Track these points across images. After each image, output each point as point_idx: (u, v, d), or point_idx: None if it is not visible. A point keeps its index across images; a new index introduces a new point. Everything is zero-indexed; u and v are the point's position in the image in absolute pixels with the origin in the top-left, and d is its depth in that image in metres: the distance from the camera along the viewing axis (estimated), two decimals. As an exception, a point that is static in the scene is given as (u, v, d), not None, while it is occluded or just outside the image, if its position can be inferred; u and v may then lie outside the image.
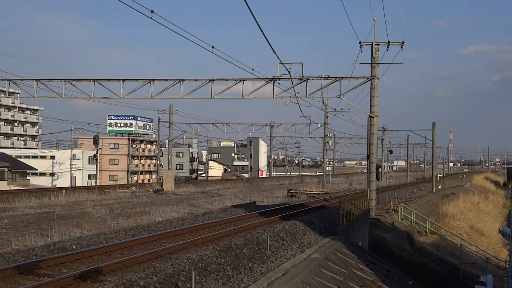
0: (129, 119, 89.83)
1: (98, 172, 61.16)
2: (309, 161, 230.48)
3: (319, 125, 56.98)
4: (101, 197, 35.12)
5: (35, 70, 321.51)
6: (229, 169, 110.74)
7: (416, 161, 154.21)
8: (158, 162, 71.31)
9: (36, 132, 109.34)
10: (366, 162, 30.07)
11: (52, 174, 79.73)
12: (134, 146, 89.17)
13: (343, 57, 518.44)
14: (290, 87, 28.87)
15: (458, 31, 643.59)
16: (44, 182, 76.20)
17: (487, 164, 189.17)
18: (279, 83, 28.60)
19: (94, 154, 61.16)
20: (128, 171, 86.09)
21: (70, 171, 78.36)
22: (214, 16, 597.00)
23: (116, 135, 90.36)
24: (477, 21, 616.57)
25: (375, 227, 26.58)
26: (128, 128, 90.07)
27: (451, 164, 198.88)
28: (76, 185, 64.83)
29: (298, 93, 29.38)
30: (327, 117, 51.57)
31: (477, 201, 65.29)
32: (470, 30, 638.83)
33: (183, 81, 29.29)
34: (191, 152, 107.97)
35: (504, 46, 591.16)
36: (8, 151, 77.37)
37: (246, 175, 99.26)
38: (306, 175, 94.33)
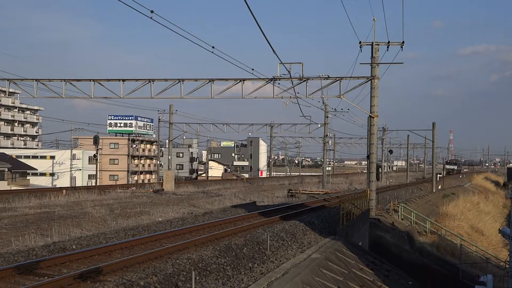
0: (129, 119, 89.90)
1: (98, 172, 61.16)
2: (309, 161, 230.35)
3: (319, 125, 57.00)
4: (101, 197, 35.10)
5: (35, 70, 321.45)
6: (229, 169, 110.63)
7: (416, 161, 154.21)
8: (158, 162, 71.33)
9: (36, 132, 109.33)
10: (366, 162, 30.06)
11: (52, 174, 79.74)
12: (134, 146, 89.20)
13: (343, 57, 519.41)
14: (290, 87, 28.86)
15: (456, 31, 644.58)
16: (44, 182, 76.21)
17: (487, 164, 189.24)
18: (279, 83, 28.61)
19: (94, 154, 61.18)
20: (128, 171, 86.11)
21: (70, 171, 78.40)
22: (214, 16, 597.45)
23: (116, 135, 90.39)
24: (476, 22, 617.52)
25: (375, 227, 26.57)
26: (128, 128, 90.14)
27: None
28: (76, 185, 64.85)
29: (298, 93, 29.39)
30: (327, 117, 51.57)
31: (477, 201, 65.29)
32: (468, 31, 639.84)
33: (183, 81, 29.28)
34: (191, 152, 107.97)
35: (502, 46, 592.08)
36: (8, 151, 77.39)
37: (246, 175, 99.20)
38: (306, 175, 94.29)
